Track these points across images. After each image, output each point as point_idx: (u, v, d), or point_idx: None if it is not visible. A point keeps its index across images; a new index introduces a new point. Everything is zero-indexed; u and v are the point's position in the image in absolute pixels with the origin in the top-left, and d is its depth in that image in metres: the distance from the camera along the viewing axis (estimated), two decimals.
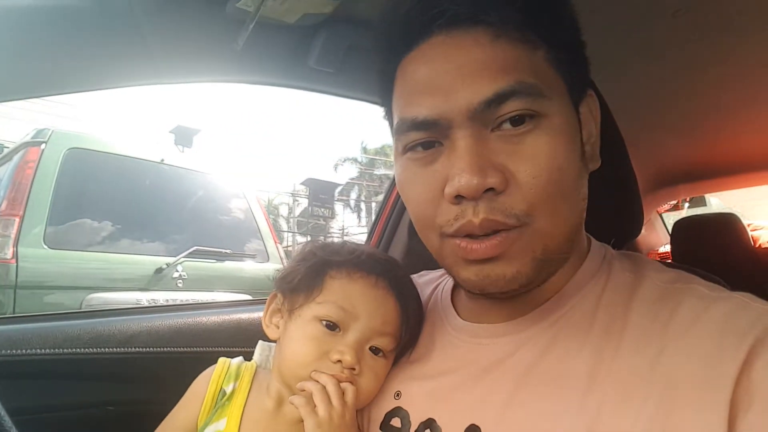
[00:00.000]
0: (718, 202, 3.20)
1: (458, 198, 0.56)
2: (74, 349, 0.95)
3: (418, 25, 0.60)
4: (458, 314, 0.73)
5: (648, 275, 0.63)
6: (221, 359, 0.78)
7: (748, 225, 2.35)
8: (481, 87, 0.55)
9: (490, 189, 0.55)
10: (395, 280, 0.74)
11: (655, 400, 0.50)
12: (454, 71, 0.57)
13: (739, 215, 2.25)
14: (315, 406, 0.65)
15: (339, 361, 0.68)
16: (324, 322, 0.69)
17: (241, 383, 0.75)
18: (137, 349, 1.01)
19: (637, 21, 1.14)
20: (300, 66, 1.01)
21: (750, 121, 1.74)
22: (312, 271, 0.73)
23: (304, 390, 0.66)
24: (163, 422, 0.75)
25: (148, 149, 3.78)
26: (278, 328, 0.76)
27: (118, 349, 0.99)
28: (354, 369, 0.68)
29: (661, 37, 1.21)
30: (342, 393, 0.66)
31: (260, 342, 0.86)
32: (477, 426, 0.59)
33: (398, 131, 0.62)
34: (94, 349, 0.96)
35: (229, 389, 0.74)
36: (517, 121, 0.56)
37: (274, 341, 0.78)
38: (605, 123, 0.86)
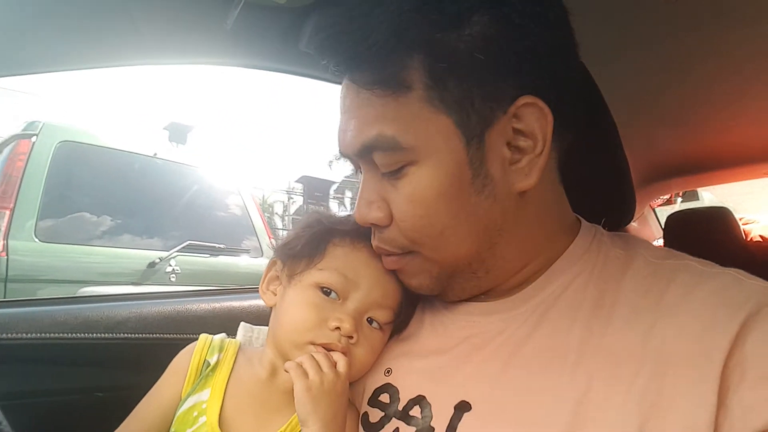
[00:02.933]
0: (710, 196, 3.21)
1: None
2: (61, 334, 0.94)
3: (329, 69, 0.63)
4: None
5: (639, 252, 0.63)
6: (203, 335, 0.78)
7: (740, 219, 2.36)
8: (355, 135, 0.60)
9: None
10: None
11: (646, 375, 0.49)
12: (344, 114, 0.63)
13: (731, 209, 2.26)
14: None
15: (337, 328, 0.67)
16: (324, 289, 0.69)
17: (226, 355, 0.75)
18: (125, 335, 0.99)
19: (631, 8, 1.14)
20: (290, 49, 0.99)
21: (744, 114, 1.74)
22: (315, 237, 0.73)
23: (290, 367, 0.65)
24: (145, 398, 0.74)
25: (141, 143, 3.74)
26: (275, 295, 0.76)
27: (106, 334, 0.98)
28: (352, 338, 0.68)
29: (655, 25, 1.21)
30: (334, 362, 0.66)
31: (242, 323, 0.86)
32: (467, 402, 0.59)
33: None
34: (82, 335, 0.95)
35: (212, 360, 0.73)
36: (394, 168, 0.59)
37: (271, 306, 0.78)
38: (597, 109, 0.86)
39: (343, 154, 0.65)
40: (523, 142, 0.58)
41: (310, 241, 0.73)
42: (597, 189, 0.85)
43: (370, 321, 0.71)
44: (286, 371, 0.65)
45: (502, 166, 0.58)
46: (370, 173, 0.63)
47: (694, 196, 2.84)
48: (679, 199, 2.91)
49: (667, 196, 2.63)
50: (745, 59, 1.36)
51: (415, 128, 0.56)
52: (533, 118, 0.57)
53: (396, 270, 0.67)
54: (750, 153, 1.97)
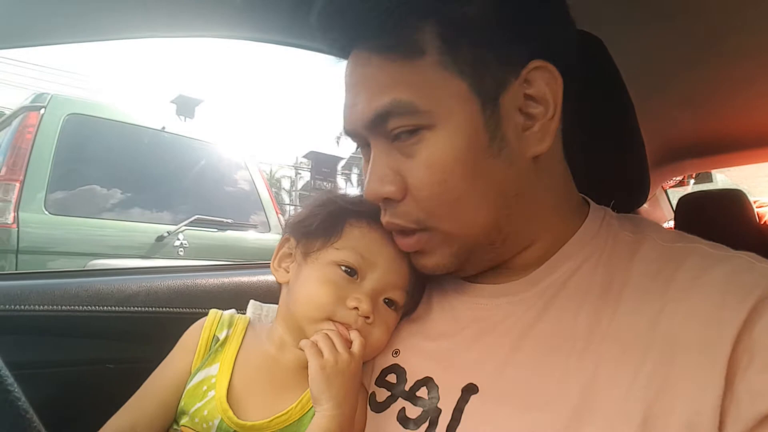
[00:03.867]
0: (723, 178, 3.16)
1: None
2: (72, 307, 0.94)
3: (337, 43, 0.63)
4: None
5: (649, 235, 0.62)
6: (212, 310, 0.78)
7: (754, 202, 2.32)
8: (366, 105, 0.58)
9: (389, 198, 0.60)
10: None
11: (654, 359, 0.49)
12: (353, 88, 0.61)
13: (745, 192, 2.22)
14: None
15: (355, 308, 0.67)
16: (342, 267, 0.69)
17: (235, 331, 0.75)
18: (136, 308, 1.00)
19: None
20: (301, 22, 0.97)
21: (765, 95, 1.69)
22: (331, 216, 0.72)
23: (305, 345, 0.66)
24: (156, 371, 0.74)
25: (149, 116, 3.73)
26: (288, 272, 0.76)
27: (117, 308, 0.98)
28: (369, 318, 0.68)
29: (676, 1, 1.17)
30: (348, 342, 0.66)
31: (252, 301, 0.86)
32: (474, 385, 0.59)
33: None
34: (93, 307, 0.96)
35: (222, 336, 0.74)
36: (410, 132, 0.57)
37: (282, 283, 0.78)
38: (614, 86, 0.84)
39: (351, 130, 0.64)
40: (533, 109, 0.59)
41: (326, 220, 0.72)
42: (611, 169, 0.83)
43: (388, 303, 0.71)
44: (300, 349, 0.66)
45: (516, 132, 0.59)
46: (380, 147, 0.61)
47: (708, 177, 2.79)
48: (692, 181, 2.86)
49: (679, 178, 2.59)
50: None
51: (431, 92, 0.56)
52: (543, 83, 0.58)
53: (416, 251, 0.65)
54: None
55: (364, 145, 0.65)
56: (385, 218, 0.64)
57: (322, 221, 0.72)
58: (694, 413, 0.45)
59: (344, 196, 0.77)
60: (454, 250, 0.62)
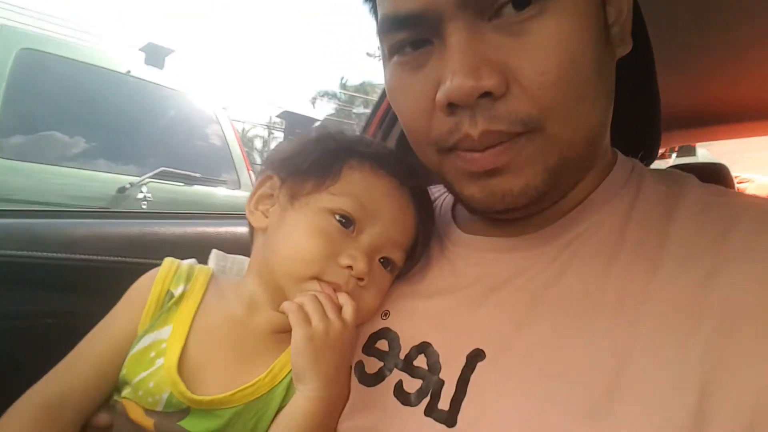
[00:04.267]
0: (705, 152, 3.16)
1: (452, 107, 0.47)
2: (7, 251, 0.82)
3: None
4: (459, 229, 0.64)
5: (687, 188, 0.54)
6: (168, 259, 0.66)
7: (735, 177, 2.31)
8: None
9: (488, 93, 0.45)
10: (417, 188, 0.63)
11: (710, 327, 0.41)
12: None
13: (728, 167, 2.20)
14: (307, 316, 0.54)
15: (348, 267, 0.57)
16: (337, 217, 0.58)
17: (194, 286, 0.63)
18: (83, 255, 0.88)
19: None
20: None
21: (759, 66, 1.64)
22: (327, 155, 0.61)
23: (289, 309, 0.55)
24: (93, 331, 0.63)
25: (113, 58, 3.47)
26: (266, 217, 0.64)
27: (60, 254, 0.86)
28: (362, 279, 0.58)
29: None
30: (338, 307, 0.55)
31: (215, 251, 0.75)
32: (481, 350, 0.50)
33: (381, 31, 0.52)
34: (31, 252, 0.83)
35: (177, 291, 0.62)
36: (520, 3, 0.45)
37: (258, 229, 0.66)
38: (643, 39, 0.76)
39: (422, 9, 0.47)
40: (609, 13, 0.53)
41: (321, 159, 0.61)
42: (625, 123, 0.75)
43: (384, 263, 0.61)
44: (282, 312, 0.55)
45: (617, 21, 0.54)
46: (468, 30, 0.46)
47: (690, 151, 2.77)
48: (674, 154, 2.84)
49: (662, 150, 2.56)
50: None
51: None
52: None
53: (497, 169, 0.49)
54: (761, 108, 1.89)
55: (426, 34, 0.49)
56: (477, 127, 0.47)
57: (316, 160, 0.61)
58: (764, 393, 0.38)
59: (343, 133, 0.66)
60: (551, 164, 0.49)
